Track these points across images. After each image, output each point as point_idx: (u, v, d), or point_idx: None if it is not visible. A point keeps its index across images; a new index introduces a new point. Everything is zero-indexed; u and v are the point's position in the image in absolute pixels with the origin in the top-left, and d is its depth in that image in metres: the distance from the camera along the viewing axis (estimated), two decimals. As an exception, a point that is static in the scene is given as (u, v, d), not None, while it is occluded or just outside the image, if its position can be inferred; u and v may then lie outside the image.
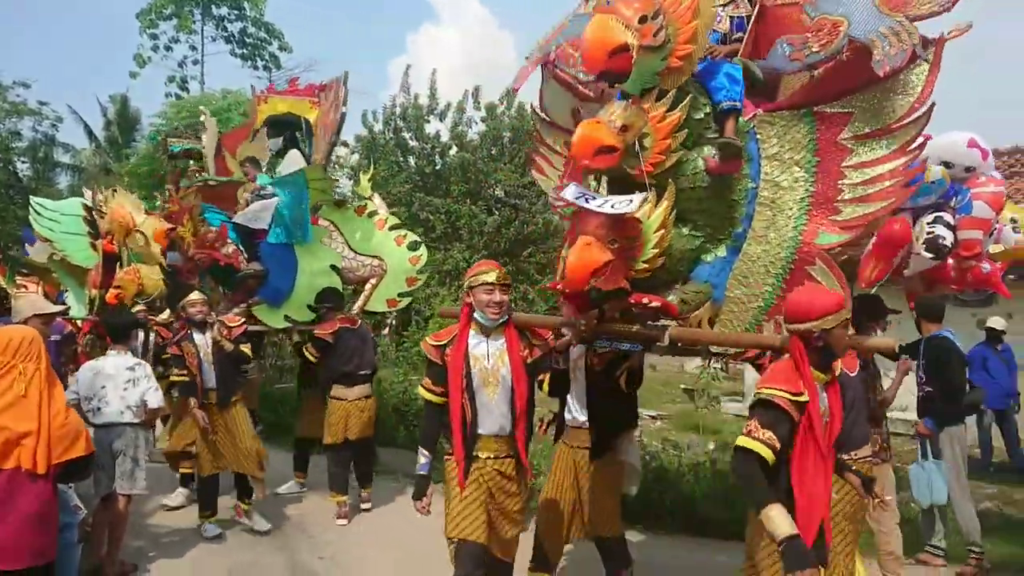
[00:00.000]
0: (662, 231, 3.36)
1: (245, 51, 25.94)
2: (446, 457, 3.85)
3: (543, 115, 4.71)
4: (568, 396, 4.48)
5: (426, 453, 3.82)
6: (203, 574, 5.29)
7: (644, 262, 3.37)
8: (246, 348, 6.12)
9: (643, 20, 3.18)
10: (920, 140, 3.34)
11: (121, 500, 4.99)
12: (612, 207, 3.26)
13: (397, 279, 7.58)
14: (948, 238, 4.19)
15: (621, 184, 3.56)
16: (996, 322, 8.77)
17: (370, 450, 7.01)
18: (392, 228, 7.72)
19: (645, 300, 3.37)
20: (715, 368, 10.75)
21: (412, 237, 7.81)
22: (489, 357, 3.76)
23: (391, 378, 10.23)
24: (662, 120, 3.38)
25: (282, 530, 6.22)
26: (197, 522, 6.06)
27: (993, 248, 4.78)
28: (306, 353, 6.68)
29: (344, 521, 6.44)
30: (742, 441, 2.86)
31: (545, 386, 4.27)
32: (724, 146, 3.53)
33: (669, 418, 11.95)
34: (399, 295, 7.62)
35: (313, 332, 6.65)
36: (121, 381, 4.99)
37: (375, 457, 7.37)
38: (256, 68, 25.94)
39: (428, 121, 13.85)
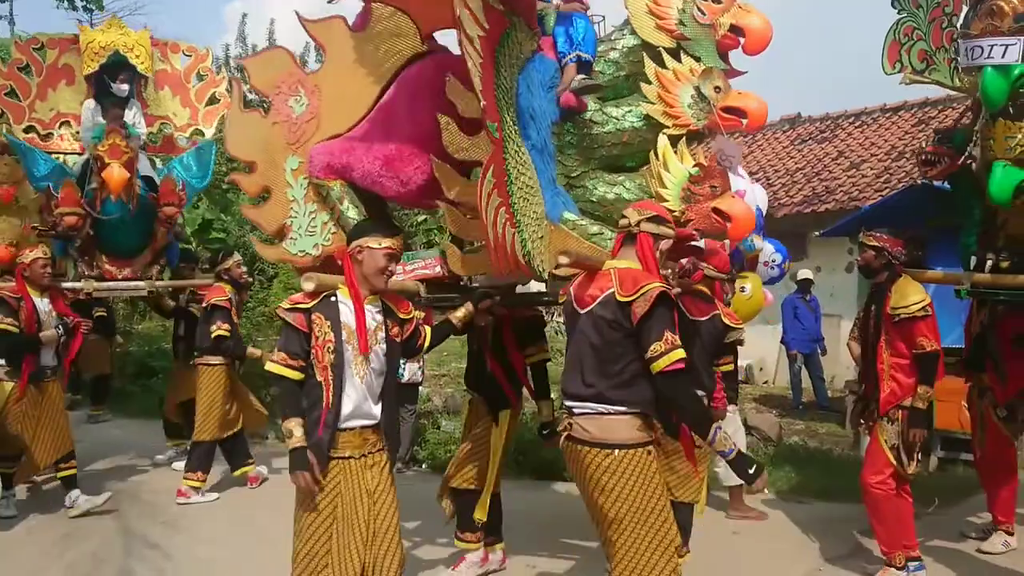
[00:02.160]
0: None
1: (60, -13, 23.66)
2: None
3: None
4: None
5: (298, 421, 3.13)
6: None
7: None
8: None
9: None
10: None
11: None
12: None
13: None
14: None
15: None
16: (805, 274, 9.78)
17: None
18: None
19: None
20: (559, 321, 11.21)
21: None
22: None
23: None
24: None
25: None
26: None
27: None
28: (221, 331, 6.15)
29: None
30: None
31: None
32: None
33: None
34: None
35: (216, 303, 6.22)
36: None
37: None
38: (75, 8, 23.63)
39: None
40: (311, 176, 4.25)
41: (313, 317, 3.16)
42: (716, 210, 3.50)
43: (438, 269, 3.41)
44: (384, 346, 3.26)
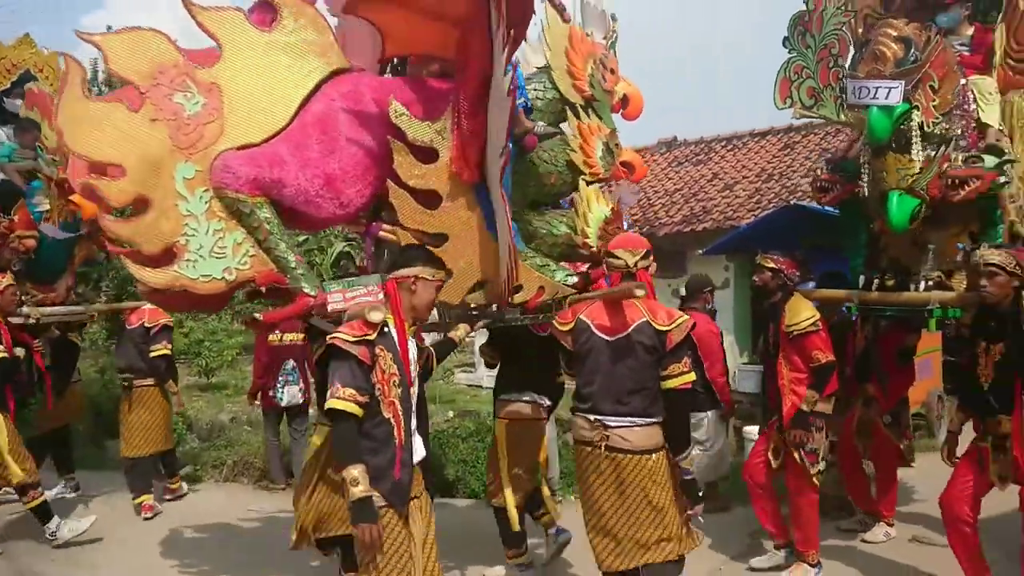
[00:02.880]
0: None
1: None
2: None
3: None
4: None
5: (362, 468, 2.98)
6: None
7: None
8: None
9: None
10: None
11: None
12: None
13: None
14: None
15: None
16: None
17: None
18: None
19: None
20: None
21: None
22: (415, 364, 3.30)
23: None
24: None
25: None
26: None
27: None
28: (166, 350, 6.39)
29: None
30: None
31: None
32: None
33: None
34: None
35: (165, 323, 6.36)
36: None
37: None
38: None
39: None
40: (222, 189, 3.67)
41: (377, 350, 3.04)
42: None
43: (380, 296, 3.42)
44: (417, 377, 3.29)
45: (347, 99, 3.89)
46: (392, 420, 3.04)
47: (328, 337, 3.09)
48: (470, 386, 12.42)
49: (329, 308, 3.46)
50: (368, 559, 3.00)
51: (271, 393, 6.82)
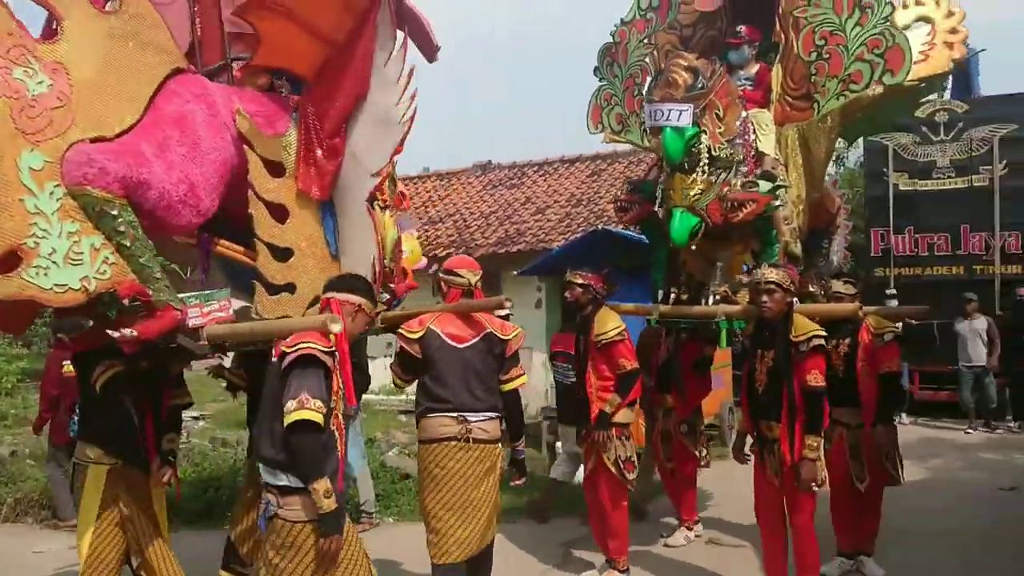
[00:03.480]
0: None
1: None
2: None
3: None
4: None
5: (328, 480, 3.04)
6: None
7: None
8: None
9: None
10: None
11: None
12: None
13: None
14: None
15: None
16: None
17: None
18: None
19: None
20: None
21: None
22: None
23: None
24: None
25: None
26: None
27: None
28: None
29: None
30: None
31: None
32: None
33: (212, 416, 11.66)
34: None
35: None
36: None
37: None
38: None
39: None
40: (83, 186, 3.11)
41: (334, 363, 3.07)
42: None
43: (231, 311, 3.29)
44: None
45: (200, 102, 3.63)
46: (336, 433, 3.07)
47: (298, 346, 3.01)
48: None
49: (189, 324, 3.27)
50: (325, 569, 3.02)
51: (66, 427, 6.28)
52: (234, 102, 3.71)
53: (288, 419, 2.90)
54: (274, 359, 3.18)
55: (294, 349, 3.00)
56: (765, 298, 4.19)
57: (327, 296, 3.31)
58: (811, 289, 5.43)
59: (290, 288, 3.64)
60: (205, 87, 3.74)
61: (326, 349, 3.02)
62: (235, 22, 3.89)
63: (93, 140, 3.24)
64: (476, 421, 4.00)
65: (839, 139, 5.51)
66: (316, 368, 2.99)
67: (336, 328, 3.06)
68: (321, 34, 3.66)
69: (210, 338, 3.43)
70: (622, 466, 4.79)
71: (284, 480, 3.01)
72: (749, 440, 4.56)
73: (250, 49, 3.85)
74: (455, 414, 3.99)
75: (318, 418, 2.92)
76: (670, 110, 4.48)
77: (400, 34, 3.71)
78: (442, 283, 4.28)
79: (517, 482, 4.32)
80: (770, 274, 4.22)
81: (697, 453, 5.68)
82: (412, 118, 3.73)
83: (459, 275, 4.24)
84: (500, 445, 4.11)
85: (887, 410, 4.90)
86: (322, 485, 2.91)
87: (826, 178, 6.12)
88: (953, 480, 7.62)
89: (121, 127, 3.35)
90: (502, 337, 4.14)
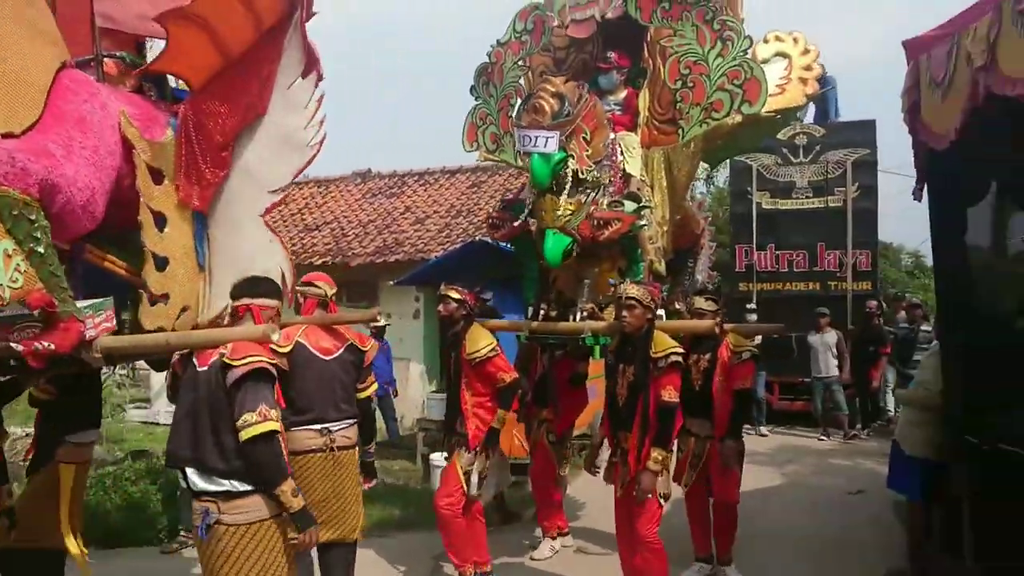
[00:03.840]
0: None
1: None
2: None
3: None
4: None
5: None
6: None
7: None
8: None
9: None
10: None
11: None
12: None
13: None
14: None
15: None
16: (379, 321, 10.29)
17: None
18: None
19: None
20: (121, 375, 10.33)
21: None
22: None
23: None
24: None
25: None
26: None
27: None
28: None
29: None
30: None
31: None
32: None
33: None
34: None
35: None
36: None
37: None
38: None
39: None
40: (1, 186, 2.78)
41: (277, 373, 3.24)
42: None
43: (114, 322, 3.12)
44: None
45: (94, 101, 3.39)
46: (280, 439, 3.15)
47: (247, 359, 3.09)
48: (144, 423, 11.52)
49: (87, 336, 3.06)
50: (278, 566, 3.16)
51: None
52: (119, 103, 3.54)
53: (253, 431, 3.00)
54: (200, 368, 3.19)
55: (244, 362, 3.07)
56: (626, 313, 4.35)
57: (243, 303, 3.35)
58: (676, 306, 5.68)
59: (165, 298, 3.54)
60: (95, 86, 3.52)
61: (272, 361, 3.17)
62: (108, 17, 3.83)
63: (3, 136, 2.94)
64: (338, 430, 4.35)
65: (702, 163, 5.76)
66: (267, 380, 3.12)
67: (276, 337, 3.21)
68: (222, 46, 3.59)
69: (105, 350, 3.20)
70: (471, 478, 4.86)
71: (226, 486, 3.06)
72: (605, 453, 4.70)
73: (118, 47, 3.81)
74: (319, 427, 4.29)
75: (278, 427, 3.08)
76: (536, 136, 4.58)
77: (313, 61, 3.64)
78: (299, 294, 4.42)
79: (367, 485, 4.65)
80: (631, 290, 4.38)
81: (556, 466, 5.82)
82: (321, 143, 3.72)
83: (316, 286, 4.47)
84: (356, 448, 4.46)
85: (738, 425, 5.13)
86: (288, 486, 3.08)
87: (691, 200, 6.40)
88: (807, 485, 8.07)
89: (28, 123, 3.07)
90: (361, 348, 4.48)
